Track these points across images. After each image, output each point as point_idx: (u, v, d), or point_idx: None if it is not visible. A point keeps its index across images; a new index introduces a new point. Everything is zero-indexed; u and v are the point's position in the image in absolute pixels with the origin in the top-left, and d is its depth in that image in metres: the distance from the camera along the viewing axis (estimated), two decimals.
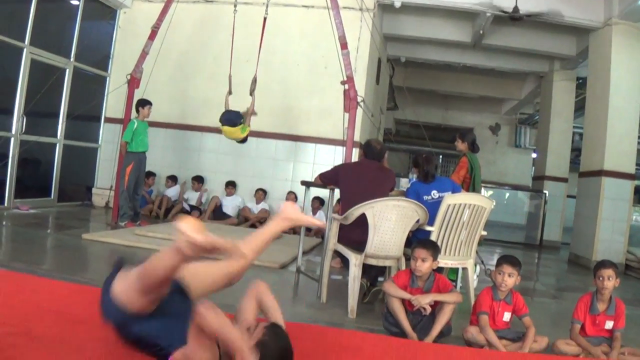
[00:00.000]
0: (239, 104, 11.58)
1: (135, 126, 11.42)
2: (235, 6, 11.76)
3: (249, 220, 13.66)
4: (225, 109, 11.64)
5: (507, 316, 5.71)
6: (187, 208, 14.12)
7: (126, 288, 3.46)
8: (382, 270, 7.09)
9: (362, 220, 6.47)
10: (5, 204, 12.34)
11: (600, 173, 12.82)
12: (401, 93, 20.89)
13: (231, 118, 11.43)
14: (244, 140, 11.80)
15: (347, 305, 6.44)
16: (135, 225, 11.29)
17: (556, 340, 5.72)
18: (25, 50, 12.35)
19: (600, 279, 5.67)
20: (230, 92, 11.68)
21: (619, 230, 12.79)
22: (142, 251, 9.14)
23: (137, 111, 11.68)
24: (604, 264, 5.78)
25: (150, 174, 14.10)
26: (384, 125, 20.69)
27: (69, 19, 14.08)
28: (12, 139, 12.31)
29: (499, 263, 5.72)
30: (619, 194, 12.78)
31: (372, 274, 7.13)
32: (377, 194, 6.68)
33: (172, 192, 14.43)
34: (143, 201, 13.62)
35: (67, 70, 13.77)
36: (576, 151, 19.76)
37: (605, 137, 12.81)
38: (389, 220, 6.42)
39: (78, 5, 14.12)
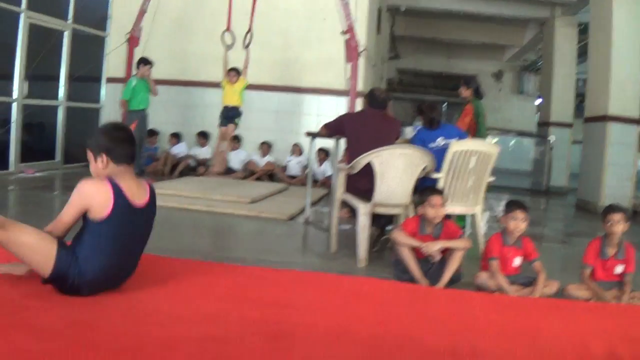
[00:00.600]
0: (239, 58, 11.55)
1: (134, 84, 11.44)
2: None
3: (255, 174, 13.65)
4: (224, 67, 11.66)
5: (517, 261, 5.70)
6: (194, 164, 14.11)
7: None
8: (390, 219, 7.09)
9: (369, 169, 6.45)
10: (11, 169, 12.32)
11: (605, 118, 12.74)
12: (402, 42, 20.79)
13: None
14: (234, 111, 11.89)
15: (356, 254, 6.44)
16: None
17: (567, 285, 5.71)
18: (22, 14, 12.21)
19: (609, 223, 5.63)
20: (230, 48, 11.66)
21: (625, 176, 12.75)
22: None
23: (138, 68, 11.63)
24: (612, 208, 5.74)
25: (153, 132, 14.07)
26: (387, 75, 20.60)
27: None
28: (15, 104, 12.24)
29: (511, 209, 5.67)
30: (623, 139, 12.71)
31: (381, 222, 7.14)
32: (382, 142, 6.64)
33: (177, 149, 14.39)
34: (149, 160, 13.62)
35: (66, 33, 13.67)
36: (580, 97, 19.64)
37: (608, 82, 12.70)
38: (395, 168, 6.41)
39: None
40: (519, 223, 5.58)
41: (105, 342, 3.63)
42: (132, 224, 4.49)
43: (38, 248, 4.24)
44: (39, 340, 3.56)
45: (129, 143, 4.54)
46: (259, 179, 13.47)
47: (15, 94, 12.21)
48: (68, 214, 4.36)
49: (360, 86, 12.12)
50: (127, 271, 4.66)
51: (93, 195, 4.34)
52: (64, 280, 4.28)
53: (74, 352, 3.44)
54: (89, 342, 3.61)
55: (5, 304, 4.12)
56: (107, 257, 4.33)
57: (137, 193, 4.51)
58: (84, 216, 4.37)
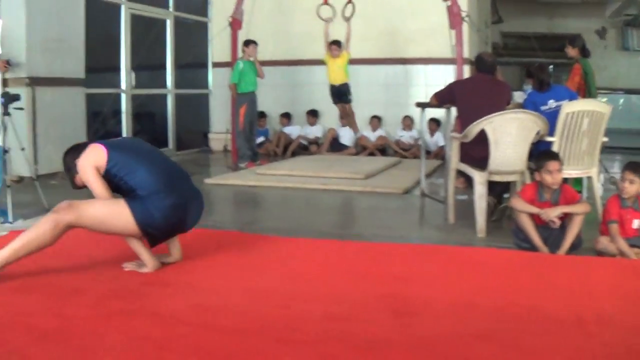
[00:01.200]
0: (341, 33, 11.51)
1: (241, 67, 11.49)
2: None
3: (367, 149, 13.64)
4: (325, 41, 11.60)
5: (636, 223, 5.55)
6: (305, 143, 14.18)
7: None
8: (507, 186, 6.99)
9: (482, 136, 6.36)
10: None
11: None
12: (503, 5, 20.41)
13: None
14: (343, 89, 11.80)
15: (474, 224, 6.38)
16: (255, 165, 11.40)
17: (599, 238, 5.63)
18: (123, 6, 12.56)
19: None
20: (329, 21, 11.62)
21: None
22: (266, 190, 9.24)
23: (243, 51, 11.70)
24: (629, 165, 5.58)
25: (262, 114, 14.13)
26: (491, 39, 20.27)
27: None
28: (124, 95, 12.54)
29: (622, 170, 5.56)
30: None
31: (497, 190, 7.03)
32: (494, 108, 6.53)
33: (288, 129, 14.47)
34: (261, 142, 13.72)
35: (168, 21, 13.94)
36: None
37: None
38: (509, 134, 6.30)
39: None
40: (626, 184, 5.44)
41: (230, 324, 3.72)
42: (134, 142, 5.11)
43: (111, 214, 4.50)
44: (164, 326, 3.67)
45: None
46: (371, 154, 13.45)
47: (123, 85, 12.44)
48: (97, 187, 4.59)
49: (467, 52, 11.92)
50: (186, 181, 5.06)
51: (90, 157, 4.63)
52: (153, 222, 4.56)
53: (200, 336, 3.53)
54: (214, 325, 3.70)
55: (126, 293, 4.27)
56: (151, 173, 4.67)
57: None
58: (108, 177, 4.64)
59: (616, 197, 5.59)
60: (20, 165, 8.24)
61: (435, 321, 3.77)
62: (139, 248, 4.71)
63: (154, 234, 4.64)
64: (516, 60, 22.62)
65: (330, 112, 13.97)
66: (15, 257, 4.37)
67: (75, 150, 4.79)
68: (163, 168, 4.81)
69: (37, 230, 4.38)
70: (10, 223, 6.66)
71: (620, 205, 5.53)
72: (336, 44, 11.64)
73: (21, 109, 7.97)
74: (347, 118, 12.57)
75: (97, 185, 4.57)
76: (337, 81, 11.80)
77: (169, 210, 4.60)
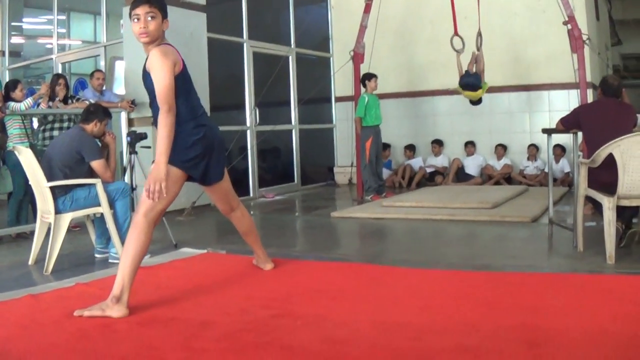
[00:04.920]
0: (465, 62, 11.45)
1: (366, 100, 11.55)
2: None
3: (493, 178, 13.48)
4: (459, 71, 11.50)
5: None
6: (432, 170, 14.17)
7: None
8: (636, 211, 6.79)
9: (610, 161, 6.20)
10: (251, 194, 12.80)
11: None
12: (622, 27, 19.99)
13: (471, 82, 11.32)
14: (478, 102, 11.65)
15: (604, 251, 6.19)
16: (381, 197, 11.43)
17: None
18: (245, 44, 12.93)
19: None
20: (461, 52, 11.53)
21: None
22: (392, 222, 9.22)
23: (364, 85, 11.79)
24: None
25: (386, 146, 14.10)
26: (612, 62, 19.89)
27: (282, 8, 14.64)
28: (249, 131, 12.77)
29: None
30: None
31: (626, 215, 6.83)
32: (621, 131, 6.38)
33: (413, 161, 14.41)
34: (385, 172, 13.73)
35: (290, 57, 14.17)
36: None
37: None
38: (637, 157, 6.13)
39: None
40: None
41: (362, 357, 3.72)
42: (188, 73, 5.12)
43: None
44: (295, 359, 3.68)
45: None
46: (497, 182, 13.30)
47: (247, 122, 12.67)
48: (169, 77, 4.72)
49: (589, 76, 11.71)
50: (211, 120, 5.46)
51: (171, 54, 4.81)
52: (187, 155, 5.00)
53: None
54: (345, 358, 3.71)
55: (256, 325, 4.33)
56: (189, 103, 5.01)
57: None
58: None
59: None
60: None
61: (570, 351, 3.69)
62: None
63: (191, 165, 5.04)
64: (638, 82, 22.13)
65: (454, 142, 13.88)
66: (133, 274, 4.72)
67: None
68: (197, 102, 5.17)
69: (136, 240, 4.76)
70: None
71: None
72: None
73: (148, 147, 8.18)
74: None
75: (168, 78, 4.73)
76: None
77: (192, 135, 4.97)
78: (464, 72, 11.63)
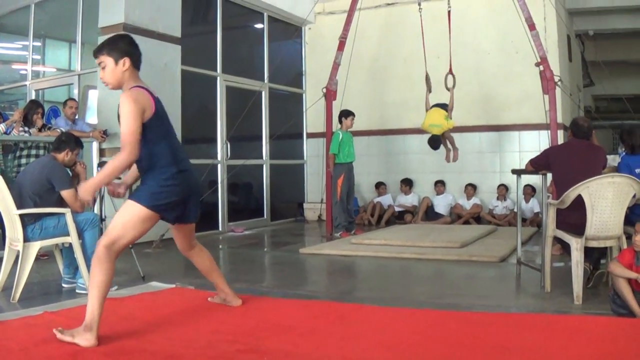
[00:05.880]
0: (435, 100, 11.53)
1: (340, 137, 11.58)
2: (419, 4, 11.67)
3: (462, 217, 13.55)
4: (426, 108, 11.56)
5: None
6: (401, 209, 14.21)
7: None
8: (603, 252, 6.85)
9: (579, 202, 6.27)
10: (220, 228, 12.82)
11: None
12: (594, 68, 20.22)
13: (439, 104, 11.32)
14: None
15: (572, 292, 6.25)
16: (350, 235, 11.42)
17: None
18: (218, 78, 13.00)
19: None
20: (429, 90, 11.60)
21: None
22: (361, 259, 9.22)
23: (340, 122, 11.80)
24: None
25: None
26: (583, 103, 20.08)
27: (256, 43, 14.76)
28: (219, 165, 12.79)
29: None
30: None
31: (594, 256, 6.90)
32: (590, 173, 6.46)
33: (382, 198, 14.45)
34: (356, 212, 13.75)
35: (263, 93, 14.23)
36: None
37: None
38: (605, 198, 6.20)
39: (263, 29, 14.69)
40: (638, 238, 5.44)
41: None
42: (163, 108, 5.10)
43: (128, 215, 4.94)
44: None
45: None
46: (466, 222, 13.36)
47: (219, 156, 12.70)
48: (133, 123, 4.70)
49: (560, 117, 11.82)
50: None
51: (141, 99, 4.80)
52: (159, 200, 4.97)
53: None
54: None
55: (223, 359, 4.22)
56: (171, 148, 5.03)
57: None
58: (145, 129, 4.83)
59: (632, 249, 5.51)
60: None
61: None
62: None
63: (166, 208, 5.00)
64: (609, 123, 22.34)
65: (424, 180, 13.96)
66: (101, 304, 4.74)
67: (125, 43, 5.05)
68: (177, 144, 5.20)
69: (99, 270, 4.75)
70: None
71: (635, 263, 5.45)
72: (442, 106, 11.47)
73: (119, 178, 8.13)
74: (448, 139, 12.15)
75: (135, 124, 4.71)
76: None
77: (173, 180, 4.97)
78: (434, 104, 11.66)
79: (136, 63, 4.98)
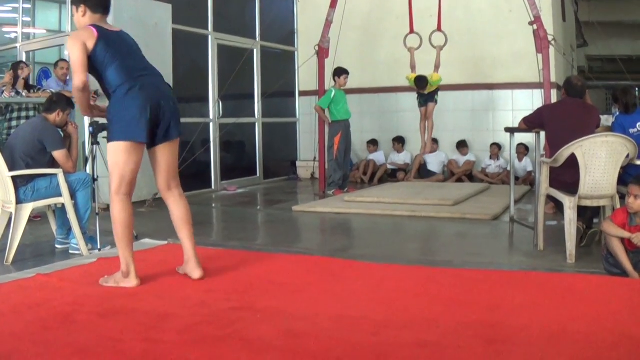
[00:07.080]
0: (427, 59, 11.49)
1: (332, 94, 11.52)
2: None
3: (455, 175, 13.58)
4: (411, 64, 11.58)
5: None
6: (394, 168, 14.24)
7: None
8: (596, 211, 6.86)
9: (572, 161, 6.26)
10: (213, 187, 12.82)
11: None
12: (588, 28, 20.15)
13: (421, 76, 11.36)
14: (423, 84, 11.50)
15: (564, 250, 6.26)
16: (343, 192, 11.42)
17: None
18: (210, 37, 12.91)
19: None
20: (414, 49, 11.61)
21: None
22: (354, 217, 9.23)
23: (334, 80, 11.76)
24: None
25: None
26: (577, 63, 20.03)
27: (248, 1, 14.59)
28: (212, 124, 12.77)
29: (629, 184, 5.54)
30: None
31: (587, 215, 6.91)
32: (584, 132, 6.43)
33: (375, 156, 14.46)
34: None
35: (255, 51, 14.11)
36: None
37: None
38: (599, 158, 6.19)
39: None
40: (631, 200, 5.44)
41: (320, 351, 3.72)
42: (118, 38, 5.27)
43: (117, 155, 5.23)
44: (253, 352, 3.70)
45: None
46: (459, 180, 13.37)
47: (211, 115, 12.69)
48: (74, 53, 5.01)
49: (553, 77, 11.79)
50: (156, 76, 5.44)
51: (80, 35, 5.06)
52: (131, 124, 5.14)
53: None
54: (304, 351, 3.72)
55: (215, 318, 4.32)
56: (123, 68, 5.15)
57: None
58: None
59: (625, 209, 5.53)
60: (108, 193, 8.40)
61: (528, 348, 3.72)
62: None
63: (136, 128, 5.14)
64: (602, 84, 22.32)
65: (417, 139, 13.95)
66: (130, 247, 5.26)
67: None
68: (132, 64, 5.28)
69: (117, 216, 5.21)
70: (99, 250, 6.82)
71: (628, 223, 5.45)
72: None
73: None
74: (427, 118, 12.22)
75: (77, 58, 4.99)
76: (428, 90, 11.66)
77: (128, 96, 5.13)
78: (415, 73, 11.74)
79: (94, 8, 5.19)
